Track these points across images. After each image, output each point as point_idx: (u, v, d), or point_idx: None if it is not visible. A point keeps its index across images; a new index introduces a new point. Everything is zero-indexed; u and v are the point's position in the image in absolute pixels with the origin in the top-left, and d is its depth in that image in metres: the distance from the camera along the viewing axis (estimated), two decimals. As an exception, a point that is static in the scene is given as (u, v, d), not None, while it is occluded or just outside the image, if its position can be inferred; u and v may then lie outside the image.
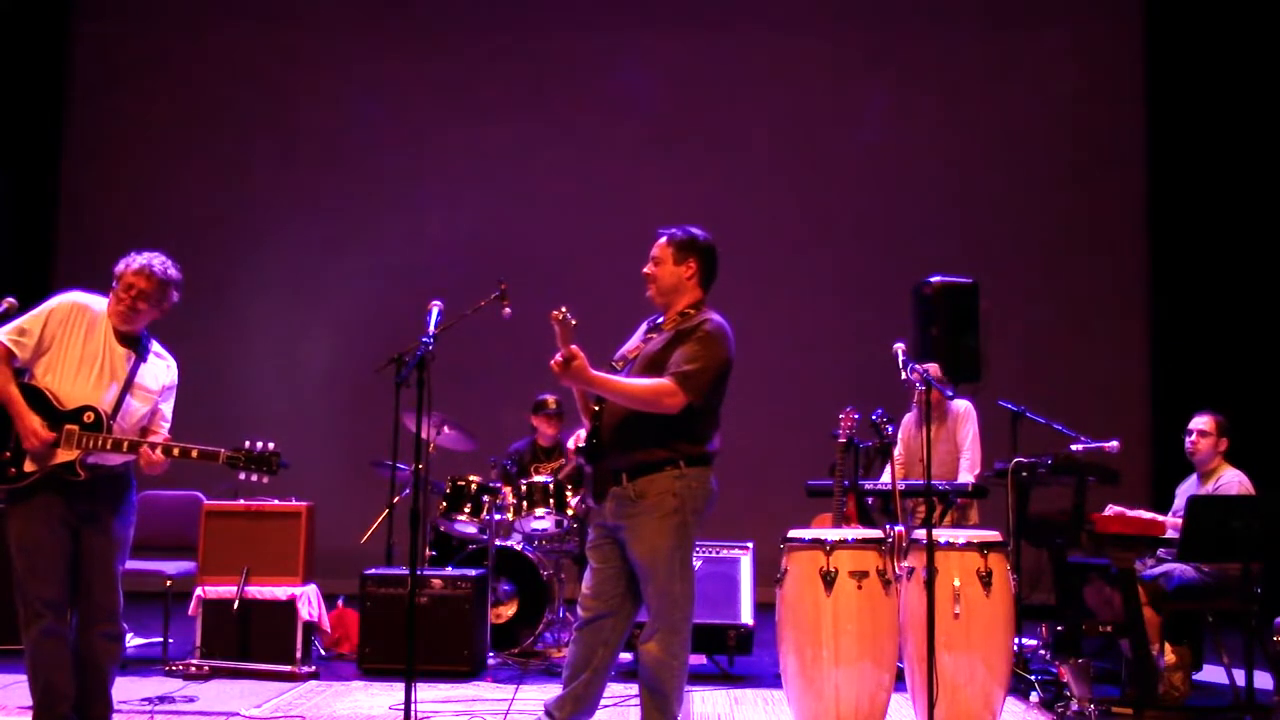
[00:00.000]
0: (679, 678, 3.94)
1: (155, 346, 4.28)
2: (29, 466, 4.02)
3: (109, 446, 4.06)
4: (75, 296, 4.17)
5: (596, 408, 4.07)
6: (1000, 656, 4.53)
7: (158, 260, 4.17)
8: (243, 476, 4.22)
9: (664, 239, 4.14)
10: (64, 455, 4.03)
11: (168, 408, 4.31)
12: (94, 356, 4.10)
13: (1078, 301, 9.34)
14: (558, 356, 3.86)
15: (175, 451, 4.11)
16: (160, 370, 4.26)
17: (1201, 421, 5.68)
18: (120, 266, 4.16)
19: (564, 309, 3.85)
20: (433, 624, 5.76)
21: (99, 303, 4.18)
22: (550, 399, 7.16)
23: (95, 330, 4.12)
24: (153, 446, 4.08)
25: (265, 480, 4.24)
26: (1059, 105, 9.53)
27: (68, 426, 4.03)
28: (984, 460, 6.17)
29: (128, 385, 4.13)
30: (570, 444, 6.76)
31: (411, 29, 9.92)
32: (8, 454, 4.02)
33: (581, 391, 4.08)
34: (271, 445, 4.23)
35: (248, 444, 4.21)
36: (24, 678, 4.11)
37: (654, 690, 3.93)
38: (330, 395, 9.56)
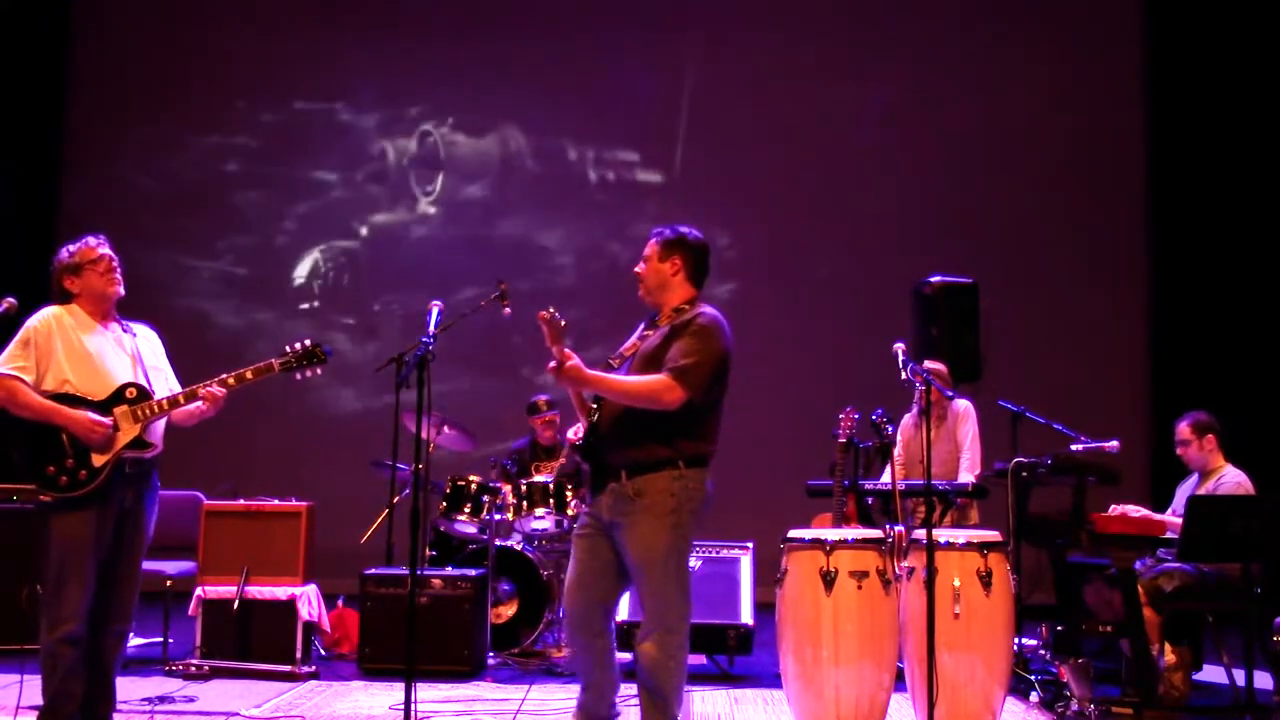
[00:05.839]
0: (678, 677, 3.94)
1: (131, 325, 4.32)
2: (98, 461, 4.04)
3: (166, 406, 4.13)
4: (46, 311, 4.18)
5: (594, 405, 4.07)
6: (1000, 656, 4.53)
7: (91, 236, 4.25)
8: (299, 376, 4.29)
9: (653, 238, 4.17)
10: (127, 435, 4.07)
11: (172, 374, 4.38)
12: (99, 346, 4.15)
13: (1078, 301, 9.34)
14: (552, 362, 3.89)
15: (231, 381, 4.19)
16: (151, 340, 4.36)
17: (1179, 431, 5.70)
18: (77, 254, 4.18)
19: (551, 309, 3.87)
20: (433, 624, 5.76)
21: (65, 307, 4.19)
22: (541, 401, 7.16)
23: (85, 326, 4.16)
24: (208, 385, 4.15)
25: (319, 373, 4.30)
26: (1059, 105, 9.52)
27: (117, 409, 4.07)
28: (984, 460, 6.17)
29: (139, 359, 4.21)
30: (569, 435, 6.77)
31: (413, 30, 9.91)
32: (70, 461, 4.02)
33: (577, 390, 4.09)
34: (309, 341, 4.29)
35: (289, 347, 4.28)
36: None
37: (652, 691, 3.92)
38: (331, 394, 9.56)
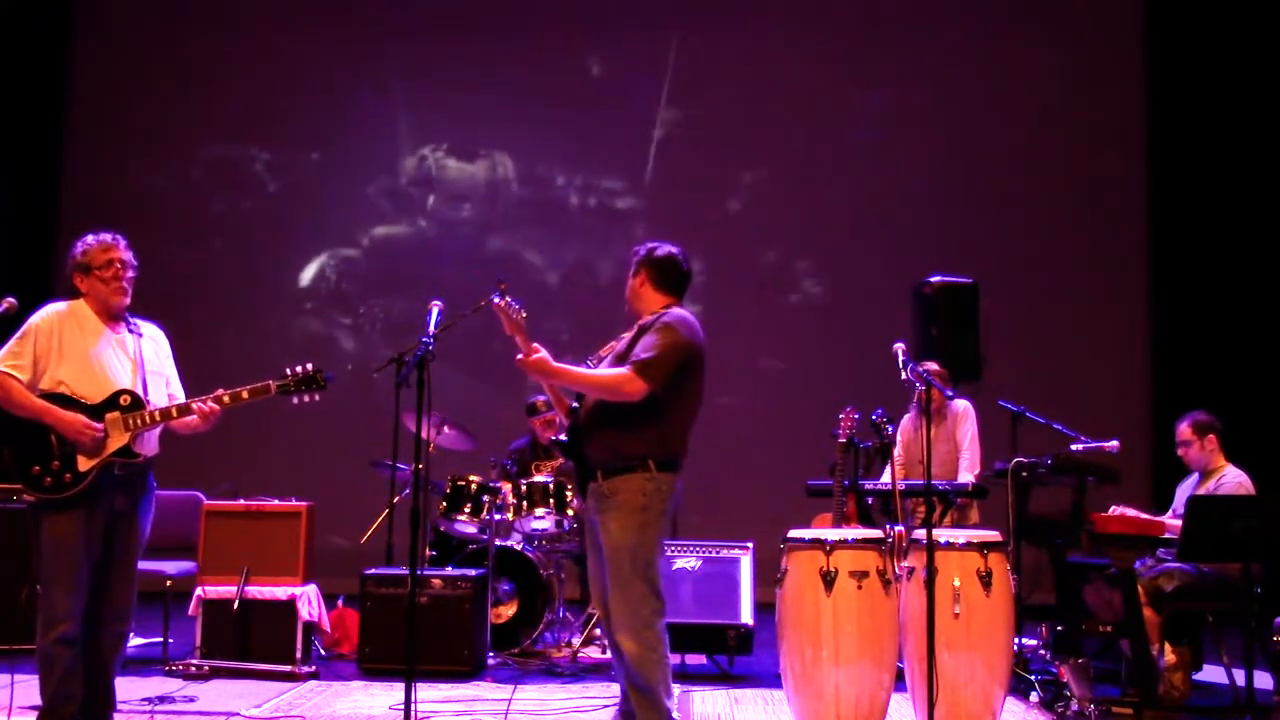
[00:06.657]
0: (661, 669, 3.95)
1: (139, 324, 4.30)
2: (83, 465, 4.01)
3: (158, 418, 4.10)
4: (50, 308, 4.16)
5: (575, 404, 4.17)
6: (1000, 656, 4.53)
7: (108, 235, 4.21)
8: (295, 400, 4.26)
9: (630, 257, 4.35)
10: (116, 442, 4.05)
11: (175, 377, 4.35)
12: (100, 349, 4.12)
13: (1078, 301, 9.34)
14: (519, 354, 3.98)
15: (226, 399, 4.15)
16: (157, 342, 4.33)
17: (1179, 431, 5.70)
18: (88, 254, 4.14)
19: (508, 298, 3.97)
20: (433, 624, 5.76)
21: (72, 304, 4.18)
22: (540, 401, 7.14)
23: (88, 326, 4.14)
24: (202, 401, 4.12)
25: (317, 398, 4.27)
26: (1059, 104, 9.52)
27: (109, 415, 4.04)
28: (984, 460, 6.17)
29: (140, 364, 4.17)
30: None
31: (413, 30, 9.91)
32: (56, 463, 4.00)
33: (552, 386, 4.18)
34: (310, 365, 4.27)
35: (289, 370, 4.25)
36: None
37: (640, 689, 3.94)
38: (331, 395, 9.55)
